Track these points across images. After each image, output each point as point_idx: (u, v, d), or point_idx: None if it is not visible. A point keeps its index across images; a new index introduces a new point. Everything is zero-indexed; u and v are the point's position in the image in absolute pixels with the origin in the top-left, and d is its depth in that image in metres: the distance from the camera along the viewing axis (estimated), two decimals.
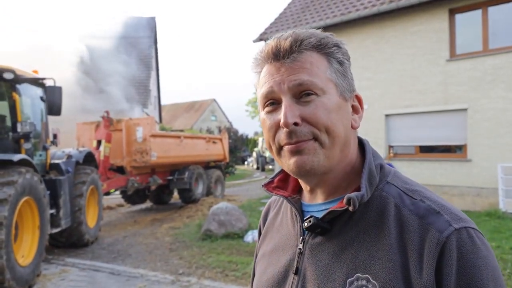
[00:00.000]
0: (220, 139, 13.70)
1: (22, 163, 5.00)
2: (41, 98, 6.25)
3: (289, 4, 14.07)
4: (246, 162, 32.39)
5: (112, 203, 12.41)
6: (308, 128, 0.74)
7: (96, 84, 15.86)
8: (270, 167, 26.24)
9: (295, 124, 0.74)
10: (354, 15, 10.75)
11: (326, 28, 11.52)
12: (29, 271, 4.88)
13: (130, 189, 9.92)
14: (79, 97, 14.24)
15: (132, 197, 11.49)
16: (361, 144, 0.85)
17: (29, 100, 6.01)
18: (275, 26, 13.04)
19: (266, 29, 13.14)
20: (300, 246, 0.83)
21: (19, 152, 5.49)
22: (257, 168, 27.74)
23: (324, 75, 0.76)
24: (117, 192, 10.98)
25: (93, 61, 16.40)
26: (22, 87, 5.68)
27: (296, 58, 0.75)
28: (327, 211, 0.78)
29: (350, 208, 0.74)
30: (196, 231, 7.77)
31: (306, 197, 0.88)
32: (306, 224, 0.80)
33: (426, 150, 10.14)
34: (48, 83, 6.08)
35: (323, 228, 0.78)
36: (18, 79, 5.47)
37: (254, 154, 29.40)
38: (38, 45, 14.36)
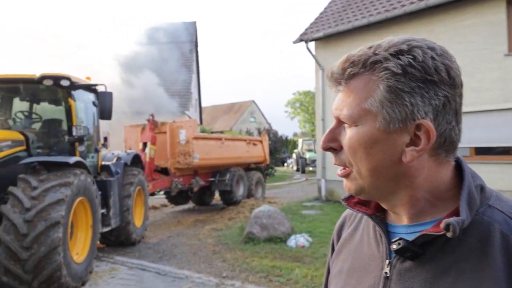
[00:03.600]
0: (261, 141, 13.74)
1: (77, 165, 5.26)
2: (94, 103, 6.55)
3: (329, 3, 13.85)
4: (285, 164, 32.27)
5: (157, 203, 12.78)
6: (345, 155, 0.77)
7: (140, 88, 16.45)
8: (311, 168, 25.94)
9: (333, 149, 0.79)
10: (399, 11, 10.37)
11: (369, 26, 11.21)
12: (82, 268, 5.12)
13: (174, 190, 10.16)
14: (125, 101, 14.84)
15: (176, 197, 11.77)
16: (459, 164, 0.79)
17: (83, 105, 6.32)
18: (316, 26, 12.87)
19: (306, 29, 13.00)
20: (386, 270, 0.78)
21: (73, 154, 5.79)
22: (297, 170, 27.53)
23: (360, 106, 0.74)
24: (161, 193, 11.31)
25: (138, 66, 17.00)
26: (76, 93, 5.99)
27: (343, 87, 0.77)
28: (419, 233, 0.72)
29: (449, 234, 0.68)
30: (238, 234, 7.81)
31: (391, 216, 0.83)
32: (395, 246, 0.75)
33: (483, 152, 9.53)
34: (100, 89, 6.36)
35: (414, 252, 0.74)
36: (74, 86, 5.76)
37: (294, 155, 29.22)
38: (86, 52, 15.14)
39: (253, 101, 48.39)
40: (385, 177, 0.74)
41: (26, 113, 6.20)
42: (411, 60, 0.71)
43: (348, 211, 1.00)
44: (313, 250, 6.58)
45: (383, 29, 10.84)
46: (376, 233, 0.84)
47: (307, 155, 26.77)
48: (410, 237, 0.74)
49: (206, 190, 12.12)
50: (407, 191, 0.75)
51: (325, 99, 12.24)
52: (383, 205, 0.82)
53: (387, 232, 0.82)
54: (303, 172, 25.95)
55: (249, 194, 12.28)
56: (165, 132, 10.21)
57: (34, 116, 6.23)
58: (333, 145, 0.79)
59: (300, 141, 30.03)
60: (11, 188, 4.54)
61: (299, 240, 6.90)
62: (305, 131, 48.30)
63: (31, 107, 6.28)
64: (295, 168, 28.61)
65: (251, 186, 12.43)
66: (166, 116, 14.01)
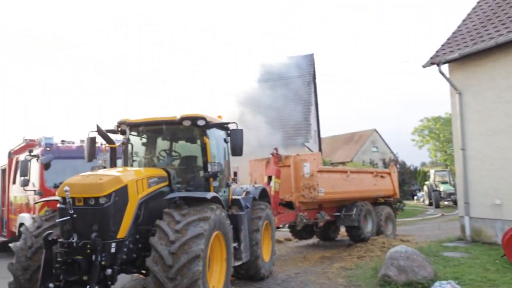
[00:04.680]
0: (389, 173, 12.80)
1: (213, 200, 5.53)
2: (225, 140, 6.93)
3: (464, 20, 12.48)
4: (415, 197, 29.48)
5: (281, 237, 12.76)
6: None
7: (260, 123, 17.14)
8: (446, 203, 23.12)
9: None
10: None
11: None
12: None
13: (299, 224, 10.02)
14: (248, 135, 15.62)
15: (300, 232, 11.58)
16: None
17: (215, 142, 6.72)
18: (449, 46, 11.66)
19: (437, 51, 11.85)
20: None
21: (208, 189, 6.12)
22: (430, 204, 24.82)
23: None
24: (286, 226, 11.26)
25: (257, 101, 17.81)
26: (210, 131, 6.41)
27: None
28: None
29: None
30: (371, 275, 7.15)
31: None
32: None
33: None
34: (231, 126, 6.71)
35: None
36: (208, 125, 6.19)
37: (425, 188, 26.49)
38: (213, 90, 16.63)
39: (375, 130, 46.20)
40: None
41: (167, 151, 6.88)
42: None
43: None
44: None
45: None
46: None
47: (441, 187, 24.03)
48: None
49: (331, 225, 11.68)
50: None
51: (464, 126, 10.78)
52: None
53: None
54: (437, 206, 23.26)
55: (378, 231, 11.37)
56: (289, 166, 10.26)
57: (173, 153, 6.87)
58: None
59: (431, 172, 27.24)
60: (158, 222, 4.95)
61: (445, 287, 5.94)
62: (436, 161, 43.75)
63: (171, 145, 6.95)
64: (427, 202, 25.87)
65: (380, 222, 11.52)
66: (287, 149, 14.20)
